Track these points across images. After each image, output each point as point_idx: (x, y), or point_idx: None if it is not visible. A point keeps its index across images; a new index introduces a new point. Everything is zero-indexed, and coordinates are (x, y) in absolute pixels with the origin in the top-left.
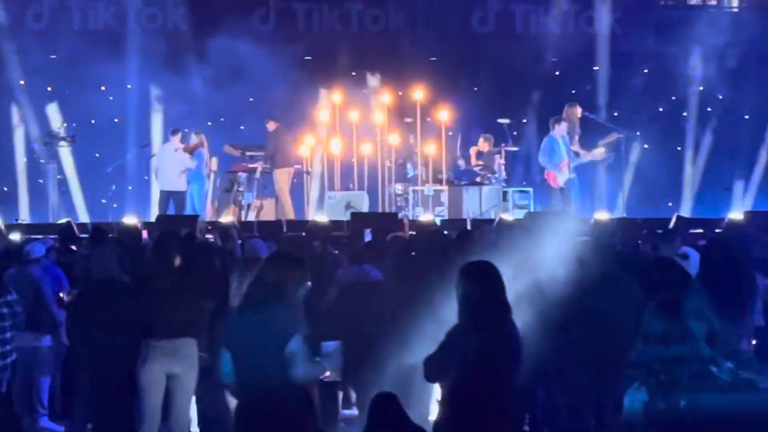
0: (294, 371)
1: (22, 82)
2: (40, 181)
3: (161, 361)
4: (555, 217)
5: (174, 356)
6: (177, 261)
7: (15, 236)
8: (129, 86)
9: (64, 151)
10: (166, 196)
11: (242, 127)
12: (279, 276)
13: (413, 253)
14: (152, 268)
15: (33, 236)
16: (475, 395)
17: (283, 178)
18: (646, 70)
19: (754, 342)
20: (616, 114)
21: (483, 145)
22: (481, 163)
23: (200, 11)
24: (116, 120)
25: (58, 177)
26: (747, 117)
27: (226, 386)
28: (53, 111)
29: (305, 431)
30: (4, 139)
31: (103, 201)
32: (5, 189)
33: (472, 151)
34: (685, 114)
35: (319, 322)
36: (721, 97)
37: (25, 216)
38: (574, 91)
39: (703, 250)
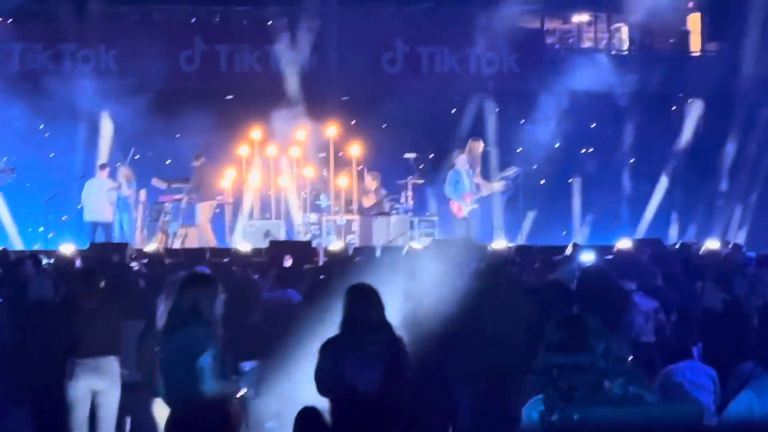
0: (204, 386)
1: None
2: None
3: (86, 378)
4: (454, 245)
5: (97, 373)
6: (101, 284)
7: None
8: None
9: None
10: (94, 227)
11: (168, 161)
12: (194, 298)
13: (322, 278)
14: (78, 291)
15: None
16: (352, 408)
17: (205, 210)
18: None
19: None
20: (518, 150)
21: (371, 183)
22: (374, 200)
23: (129, 52)
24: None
25: None
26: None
27: (164, 401)
28: None
29: None
30: None
31: (40, 229)
32: None
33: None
34: (583, 151)
35: (241, 342)
36: (608, 132)
37: None
38: (476, 127)
39: (580, 276)
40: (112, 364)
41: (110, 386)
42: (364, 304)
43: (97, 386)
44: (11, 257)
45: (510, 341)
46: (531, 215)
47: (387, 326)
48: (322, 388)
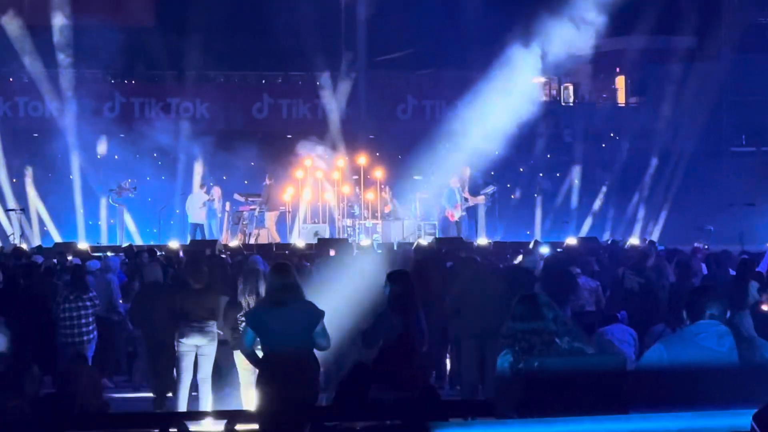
0: (324, 342)
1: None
2: (112, 220)
3: (193, 337)
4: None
5: (202, 333)
6: (202, 270)
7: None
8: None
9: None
10: (194, 228)
11: (245, 182)
12: (293, 279)
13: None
14: (189, 274)
15: (109, 254)
16: (396, 357)
17: (272, 217)
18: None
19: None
20: (492, 173)
21: (386, 195)
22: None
23: (216, 104)
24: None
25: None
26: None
27: (247, 354)
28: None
29: (315, 383)
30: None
31: (154, 230)
32: (90, 222)
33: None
34: (541, 175)
35: None
36: (561, 161)
37: (104, 240)
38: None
39: (544, 263)
40: (212, 327)
41: (210, 343)
42: (408, 284)
43: (201, 342)
44: (134, 250)
45: (494, 311)
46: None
47: (416, 301)
48: (372, 342)
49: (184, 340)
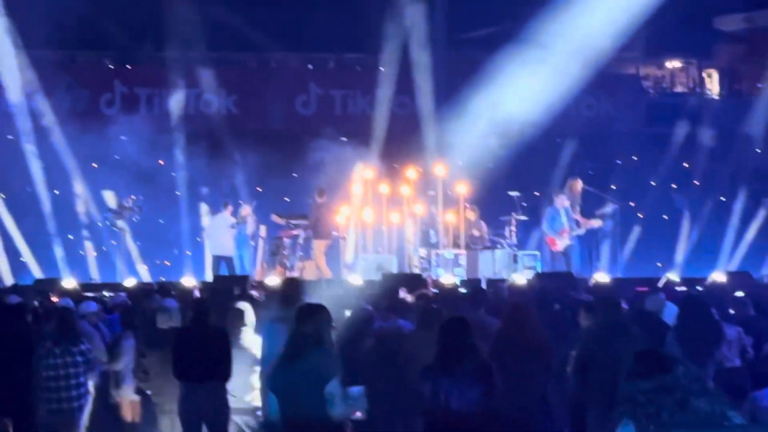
0: (333, 409)
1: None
2: (113, 242)
3: (196, 401)
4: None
5: (206, 396)
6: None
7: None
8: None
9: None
10: (217, 261)
11: (285, 199)
12: (316, 325)
13: (435, 307)
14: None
15: (106, 293)
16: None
17: (321, 245)
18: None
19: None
20: (613, 187)
21: (471, 215)
22: (477, 232)
23: (248, 97)
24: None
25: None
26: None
27: (269, 425)
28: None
29: None
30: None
31: (167, 263)
32: (80, 252)
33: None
34: (674, 185)
35: (353, 368)
36: (701, 172)
37: (95, 275)
38: (577, 167)
39: (680, 306)
40: (221, 388)
41: (219, 411)
42: (457, 333)
43: (206, 407)
44: (140, 289)
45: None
46: (629, 248)
47: (477, 351)
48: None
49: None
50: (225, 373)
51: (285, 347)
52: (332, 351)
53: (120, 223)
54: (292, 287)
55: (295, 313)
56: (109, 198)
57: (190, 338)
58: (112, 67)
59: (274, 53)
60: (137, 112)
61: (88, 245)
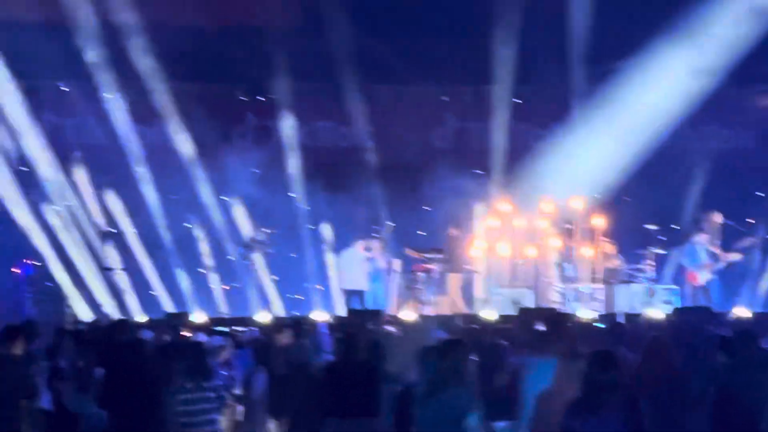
0: None
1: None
2: (245, 276)
3: None
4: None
5: None
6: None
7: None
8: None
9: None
10: (350, 295)
11: (421, 233)
12: (455, 361)
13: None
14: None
15: (237, 328)
16: None
17: (455, 279)
18: None
19: None
20: (752, 221)
21: (609, 248)
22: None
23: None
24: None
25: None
26: None
27: None
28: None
29: None
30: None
31: (299, 297)
32: (210, 286)
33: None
34: None
35: (491, 403)
36: None
37: (225, 310)
38: (715, 200)
39: None
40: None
41: None
42: (602, 368)
43: None
44: (273, 324)
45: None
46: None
47: (624, 387)
48: None
49: None
50: (375, 409)
51: (425, 382)
52: (470, 386)
53: (252, 256)
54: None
55: (433, 349)
56: (242, 230)
57: (341, 373)
58: (245, 99)
59: (408, 85)
60: (267, 144)
61: (217, 279)
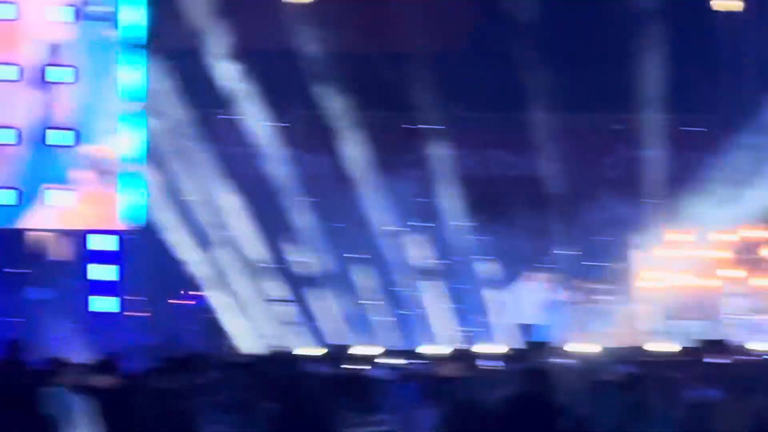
0: None
1: None
2: (412, 307)
3: None
4: None
5: None
6: None
7: None
8: None
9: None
10: (520, 327)
11: (588, 263)
12: (638, 396)
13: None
14: None
15: (402, 361)
16: None
17: (627, 312)
18: None
19: None
20: None
21: None
22: None
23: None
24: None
25: None
26: None
27: None
28: None
29: None
30: None
31: (468, 330)
32: (375, 318)
33: None
34: None
35: None
36: None
37: (390, 342)
38: None
39: None
40: None
41: None
42: None
43: None
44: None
45: None
46: None
47: None
48: None
49: None
50: None
51: (604, 417)
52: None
53: (419, 287)
54: None
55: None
56: (408, 261)
57: (514, 408)
58: (412, 128)
59: (578, 113)
60: (432, 173)
61: (381, 310)
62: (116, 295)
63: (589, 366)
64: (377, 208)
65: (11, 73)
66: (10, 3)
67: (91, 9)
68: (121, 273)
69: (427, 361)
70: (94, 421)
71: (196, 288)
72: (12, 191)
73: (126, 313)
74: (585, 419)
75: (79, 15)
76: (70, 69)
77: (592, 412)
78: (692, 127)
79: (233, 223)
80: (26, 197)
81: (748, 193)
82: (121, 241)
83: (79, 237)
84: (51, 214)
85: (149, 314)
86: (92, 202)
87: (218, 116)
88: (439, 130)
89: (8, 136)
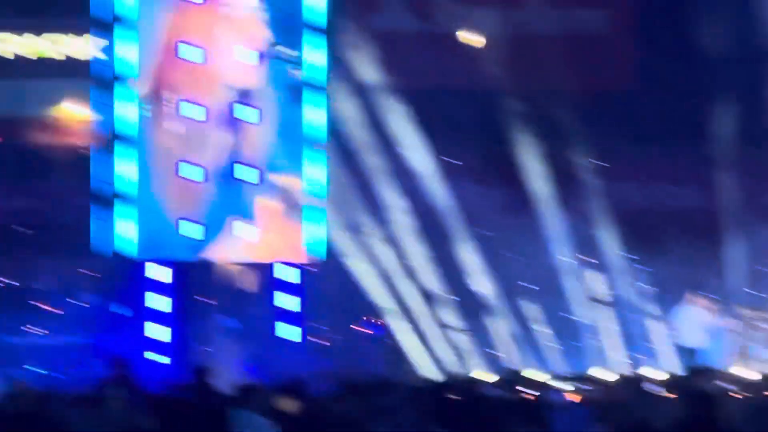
0: None
1: None
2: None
3: None
4: None
5: None
6: None
7: None
8: None
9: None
10: (686, 353)
11: (751, 291)
12: None
13: None
14: None
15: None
16: None
17: None
18: None
19: None
20: None
21: None
22: None
23: None
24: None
25: None
26: None
27: None
28: None
29: None
30: None
31: (640, 356)
32: (547, 344)
33: None
34: None
35: None
36: None
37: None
38: None
39: None
40: None
41: None
42: None
43: None
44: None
45: None
46: None
47: None
48: None
49: None
50: None
51: None
52: None
53: (593, 314)
54: None
55: None
56: (579, 290)
57: None
58: (580, 162)
59: (736, 146)
60: (602, 206)
61: (552, 336)
62: (300, 324)
63: (751, 391)
64: (548, 239)
65: (199, 113)
66: (198, 47)
67: (276, 51)
68: (305, 302)
69: (596, 386)
70: None
71: (377, 316)
72: (200, 225)
73: (310, 340)
74: None
75: (264, 57)
76: (255, 109)
77: None
78: None
79: (411, 254)
80: (213, 230)
81: None
82: (304, 272)
83: (264, 268)
84: (237, 246)
85: (332, 341)
86: (277, 234)
87: (396, 151)
88: (606, 164)
89: (196, 174)
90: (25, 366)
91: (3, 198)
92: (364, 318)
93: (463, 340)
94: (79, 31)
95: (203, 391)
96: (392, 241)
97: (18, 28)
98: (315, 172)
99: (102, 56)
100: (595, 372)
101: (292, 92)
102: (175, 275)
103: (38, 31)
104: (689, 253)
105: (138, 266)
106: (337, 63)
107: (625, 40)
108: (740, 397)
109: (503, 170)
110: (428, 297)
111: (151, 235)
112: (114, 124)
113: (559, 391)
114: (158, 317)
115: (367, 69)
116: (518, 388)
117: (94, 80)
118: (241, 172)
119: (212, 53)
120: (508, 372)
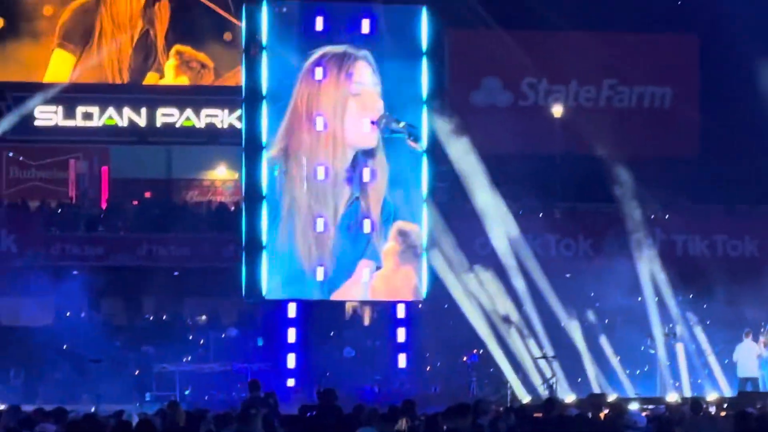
0: None
1: None
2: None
3: None
4: None
5: None
6: None
7: None
8: None
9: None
10: (745, 382)
11: None
12: None
13: None
14: None
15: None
16: None
17: None
18: None
19: None
20: None
21: None
22: None
23: None
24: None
25: None
26: None
27: None
28: None
29: None
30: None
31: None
32: (622, 370)
33: None
34: None
35: None
36: None
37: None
38: None
39: None
40: None
41: None
42: None
43: None
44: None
45: None
46: None
47: None
48: None
49: None
50: None
51: None
52: None
53: (662, 345)
54: None
55: None
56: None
57: None
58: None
59: None
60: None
61: (622, 363)
62: (410, 353)
63: None
64: (623, 282)
65: (329, 173)
66: (319, 115)
67: (391, 119)
68: (417, 334)
69: (665, 407)
70: None
71: (477, 346)
72: (326, 268)
73: (421, 367)
74: None
75: (380, 124)
76: (375, 168)
77: None
78: None
79: (505, 292)
80: (341, 272)
81: None
82: (416, 308)
83: (384, 305)
84: (360, 286)
85: (438, 368)
86: (395, 275)
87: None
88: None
89: (324, 225)
90: (184, 390)
91: (168, 247)
92: (467, 348)
93: (551, 366)
94: (233, 106)
95: (329, 411)
96: (490, 281)
97: (181, 105)
98: (426, 220)
99: (248, 126)
100: (665, 395)
101: (408, 155)
102: (308, 312)
103: (197, 107)
104: (749, 295)
105: (279, 305)
106: (443, 129)
107: (689, 112)
108: None
109: (584, 223)
110: (521, 330)
111: (289, 278)
112: (259, 184)
113: (637, 411)
114: (295, 348)
115: (467, 134)
116: (602, 408)
117: (244, 146)
118: (364, 222)
119: (329, 121)
120: (593, 395)
